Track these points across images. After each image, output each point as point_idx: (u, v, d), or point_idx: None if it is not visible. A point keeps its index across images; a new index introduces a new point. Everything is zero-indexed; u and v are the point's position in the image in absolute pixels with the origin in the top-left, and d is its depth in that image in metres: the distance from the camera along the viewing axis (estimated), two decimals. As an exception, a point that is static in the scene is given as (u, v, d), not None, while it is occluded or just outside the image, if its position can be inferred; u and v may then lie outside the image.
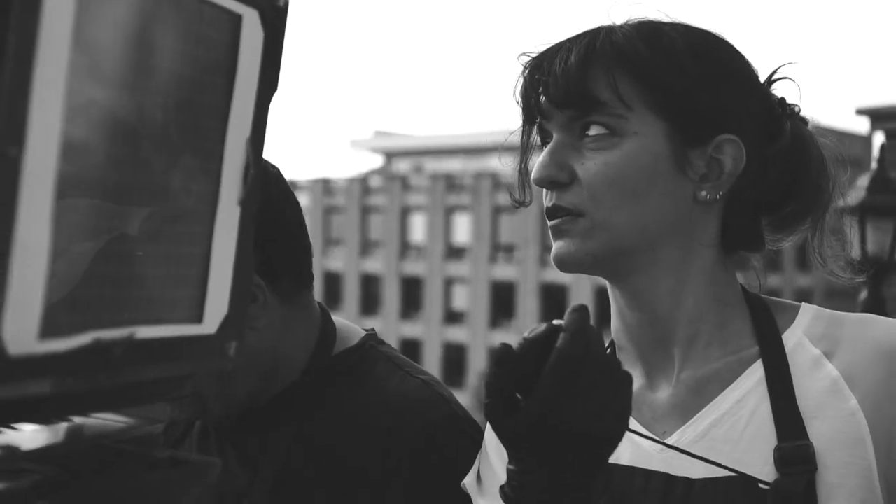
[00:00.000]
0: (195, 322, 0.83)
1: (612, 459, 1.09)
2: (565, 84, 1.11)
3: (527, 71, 1.16)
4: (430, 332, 41.97)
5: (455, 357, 41.01)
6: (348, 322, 1.52)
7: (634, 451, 1.13)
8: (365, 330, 1.51)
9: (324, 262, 45.26)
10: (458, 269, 41.83)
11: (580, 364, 0.89)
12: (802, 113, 1.17)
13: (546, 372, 0.89)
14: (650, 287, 1.13)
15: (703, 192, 1.11)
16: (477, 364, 38.97)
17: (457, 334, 41.49)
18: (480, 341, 40.24)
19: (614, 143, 1.10)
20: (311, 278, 1.46)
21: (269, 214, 1.34)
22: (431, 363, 41.18)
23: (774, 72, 1.17)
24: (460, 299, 42.05)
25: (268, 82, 0.88)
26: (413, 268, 42.98)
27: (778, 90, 1.18)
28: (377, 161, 56.30)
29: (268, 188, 1.35)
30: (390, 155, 54.96)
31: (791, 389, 1.07)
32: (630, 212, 1.10)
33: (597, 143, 1.11)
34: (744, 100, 1.13)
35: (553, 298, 38.57)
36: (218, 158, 0.83)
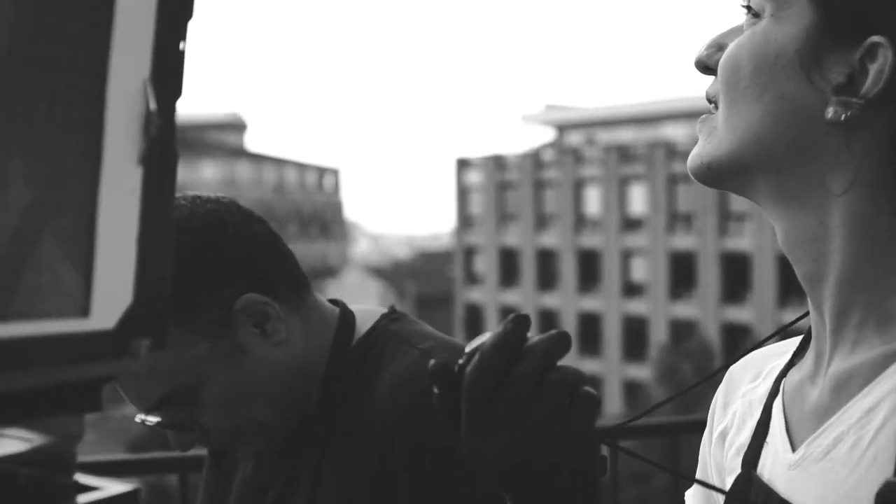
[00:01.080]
0: (78, 315, 0.65)
1: (759, 468, 0.92)
2: None
3: None
4: (609, 306, 41.40)
5: (636, 330, 40.37)
6: (366, 307, 1.50)
7: (774, 460, 0.91)
8: (387, 309, 1.50)
9: (499, 238, 45.32)
10: (635, 240, 41.09)
11: (494, 389, 0.78)
12: None
13: (462, 401, 0.80)
14: (790, 228, 0.89)
15: (831, 109, 0.83)
16: (658, 336, 38.22)
17: (637, 307, 40.80)
18: (661, 313, 39.45)
19: (752, 25, 0.89)
20: (306, 279, 1.45)
21: (242, 235, 1.36)
22: (612, 337, 40.71)
23: None
24: (639, 271, 41.31)
25: (176, 5, 0.70)
26: (589, 241, 42.48)
27: None
28: (549, 135, 55.90)
29: (225, 214, 1.38)
30: (562, 128, 54.41)
31: None
32: (743, 113, 0.87)
33: (748, 23, 0.90)
34: None
35: (735, 268, 37.38)
36: (97, 104, 0.65)
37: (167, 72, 0.69)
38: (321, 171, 72.45)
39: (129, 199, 0.67)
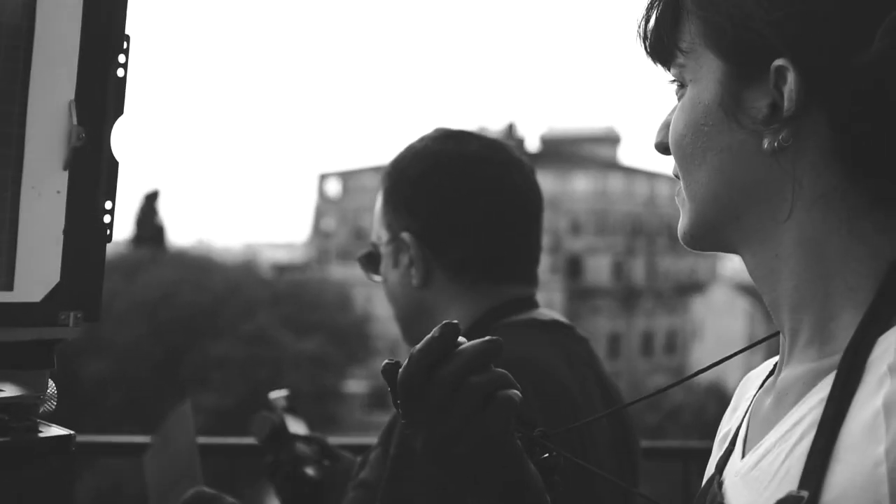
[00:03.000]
0: (1, 289, 0.82)
1: (724, 473, 0.96)
2: (644, 31, 0.98)
3: None
4: None
5: None
6: (549, 312, 1.62)
7: (730, 466, 0.95)
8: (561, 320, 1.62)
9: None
10: None
11: (420, 388, 0.87)
12: None
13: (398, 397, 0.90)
14: (753, 267, 0.93)
15: (765, 140, 0.87)
16: None
17: None
18: None
19: (680, 98, 0.95)
20: (502, 271, 1.59)
21: (455, 202, 1.55)
22: None
23: None
24: None
25: (102, 38, 0.84)
26: None
27: None
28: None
29: (475, 179, 1.56)
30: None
31: (842, 416, 0.79)
32: (696, 179, 0.93)
33: (678, 96, 0.97)
34: (812, 7, 0.84)
35: None
36: (18, 124, 0.81)
37: (96, 93, 0.84)
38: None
39: (55, 199, 0.83)
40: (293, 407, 1.85)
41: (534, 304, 1.63)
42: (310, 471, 1.75)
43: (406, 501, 1.37)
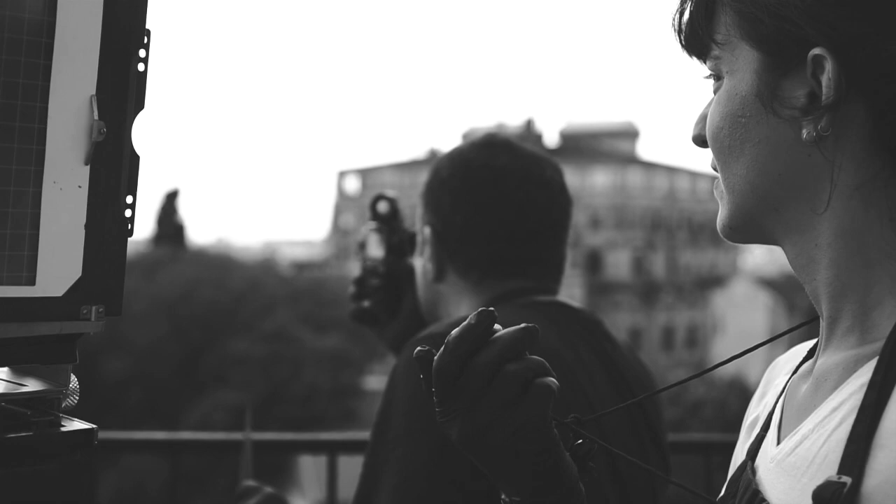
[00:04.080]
0: (25, 284, 0.82)
1: (757, 459, 0.94)
2: (679, 24, 0.98)
3: None
4: None
5: None
6: (553, 297, 1.66)
7: (764, 453, 0.94)
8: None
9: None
10: None
11: (456, 375, 0.86)
12: None
13: (433, 385, 0.88)
14: (794, 257, 0.92)
15: (804, 130, 0.86)
16: None
17: None
18: None
19: (717, 90, 0.95)
20: (508, 271, 1.65)
21: (467, 203, 1.64)
22: None
23: None
24: None
25: (121, 34, 0.84)
26: None
27: None
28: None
29: (485, 184, 1.63)
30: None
31: (884, 402, 0.79)
32: (734, 171, 0.92)
33: (715, 88, 0.96)
34: None
35: None
36: (39, 119, 0.81)
37: (117, 88, 0.84)
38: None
39: (76, 193, 0.83)
40: (386, 222, 1.96)
41: (538, 292, 1.66)
42: (365, 303, 1.94)
43: (378, 479, 1.41)
